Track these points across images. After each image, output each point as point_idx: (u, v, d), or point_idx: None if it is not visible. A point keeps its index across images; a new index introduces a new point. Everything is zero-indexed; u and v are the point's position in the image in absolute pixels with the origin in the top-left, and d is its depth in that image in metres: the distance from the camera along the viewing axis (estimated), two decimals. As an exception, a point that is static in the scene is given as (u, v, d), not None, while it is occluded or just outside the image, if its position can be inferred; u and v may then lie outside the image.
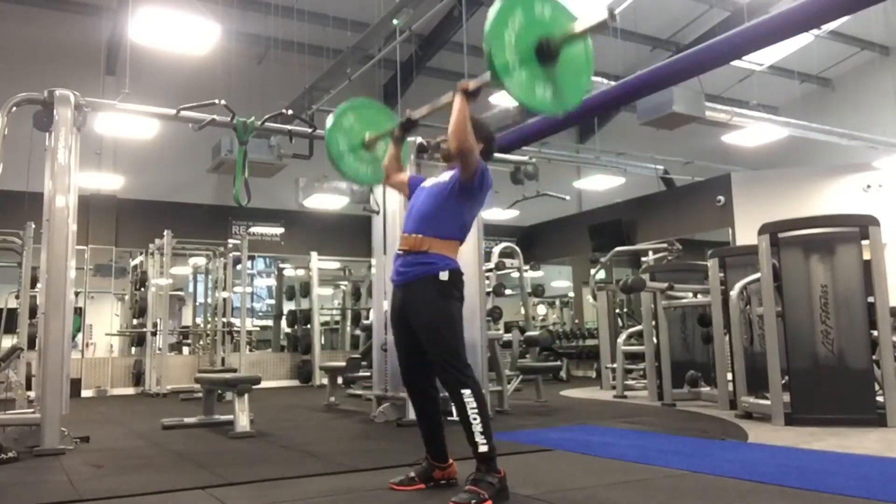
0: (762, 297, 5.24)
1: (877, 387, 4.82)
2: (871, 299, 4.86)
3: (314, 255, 11.61)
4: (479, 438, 2.72)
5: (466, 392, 2.74)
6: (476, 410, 2.73)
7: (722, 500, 2.81)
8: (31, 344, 6.04)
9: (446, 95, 3.03)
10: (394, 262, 3.06)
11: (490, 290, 7.70)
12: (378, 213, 5.93)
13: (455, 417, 2.83)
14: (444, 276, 2.88)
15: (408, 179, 3.31)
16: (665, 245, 9.50)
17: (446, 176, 3.05)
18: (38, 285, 5.89)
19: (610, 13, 2.56)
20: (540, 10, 2.76)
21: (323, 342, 11.79)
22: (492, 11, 2.65)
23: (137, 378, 10.17)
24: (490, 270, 8.14)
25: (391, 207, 5.77)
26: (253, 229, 11.99)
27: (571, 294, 14.41)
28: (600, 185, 12.91)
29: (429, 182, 3.13)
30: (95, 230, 10.69)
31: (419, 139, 5.63)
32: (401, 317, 3.02)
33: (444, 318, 2.86)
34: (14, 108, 4.46)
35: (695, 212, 11.34)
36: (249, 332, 10.75)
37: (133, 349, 10.77)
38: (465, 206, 2.99)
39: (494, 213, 11.49)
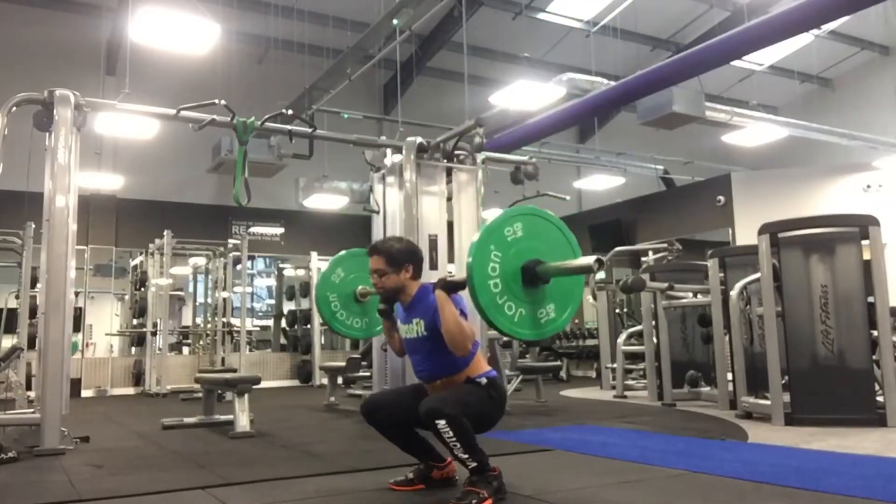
0: (762, 297, 5.23)
1: (877, 387, 4.82)
2: (871, 299, 4.86)
3: (314, 255, 11.59)
4: (465, 459, 2.70)
5: (441, 423, 2.66)
6: (454, 438, 2.67)
7: (722, 500, 2.81)
8: (31, 344, 6.04)
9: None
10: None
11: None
12: (378, 212, 5.93)
13: None
14: (482, 381, 2.88)
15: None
16: (665, 245, 9.50)
17: (420, 325, 2.95)
18: (38, 285, 5.90)
19: (597, 261, 2.63)
20: (526, 235, 2.82)
21: (323, 342, 11.77)
22: (475, 237, 2.70)
23: (137, 378, 10.17)
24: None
25: (391, 208, 5.77)
26: (253, 229, 11.99)
27: (571, 294, 14.37)
28: (600, 185, 12.91)
29: (404, 331, 3.04)
30: (95, 230, 10.69)
31: (419, 139, 5.63)
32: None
33: (472, 398, 2.82)
34: (14, 108, 4.46)
35: (695, 212, 11.34)
36: (249, 332, 10.74)
37: (133, 349, 10.75)
38: None
39: (495, 214, 11.46)
